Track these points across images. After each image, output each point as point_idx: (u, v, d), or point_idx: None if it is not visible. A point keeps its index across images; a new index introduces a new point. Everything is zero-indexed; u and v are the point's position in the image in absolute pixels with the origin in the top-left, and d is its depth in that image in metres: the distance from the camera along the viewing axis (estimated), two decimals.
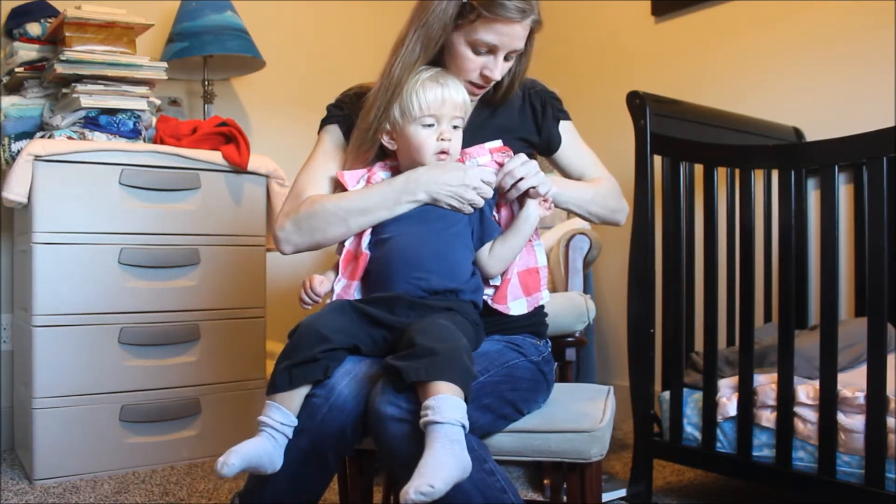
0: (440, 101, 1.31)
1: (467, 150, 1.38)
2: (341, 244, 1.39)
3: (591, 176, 1.51)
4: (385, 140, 1.37)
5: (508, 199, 1.35)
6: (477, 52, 1.33)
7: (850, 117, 2.34)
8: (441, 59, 1.36)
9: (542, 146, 1.48)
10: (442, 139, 1.32)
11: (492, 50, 1.32)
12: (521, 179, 1.30)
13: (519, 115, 1.46)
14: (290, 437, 1.16)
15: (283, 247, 1.41)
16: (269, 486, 1.18)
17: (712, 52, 2.76)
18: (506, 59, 1.35)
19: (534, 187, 1.30)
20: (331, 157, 1.43)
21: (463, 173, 1.31)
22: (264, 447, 1.13)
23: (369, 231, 1.35)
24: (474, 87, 1.37)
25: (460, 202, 1.31)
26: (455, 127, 1.34)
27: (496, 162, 1.36)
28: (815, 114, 2.46)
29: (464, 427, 1.07)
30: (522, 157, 1.33)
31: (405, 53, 1.33)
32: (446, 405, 1.06)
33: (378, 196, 1.33)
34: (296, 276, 3.02)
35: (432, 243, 1.31)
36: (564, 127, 1.50)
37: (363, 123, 1.36)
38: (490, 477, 1.13)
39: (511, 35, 1.30)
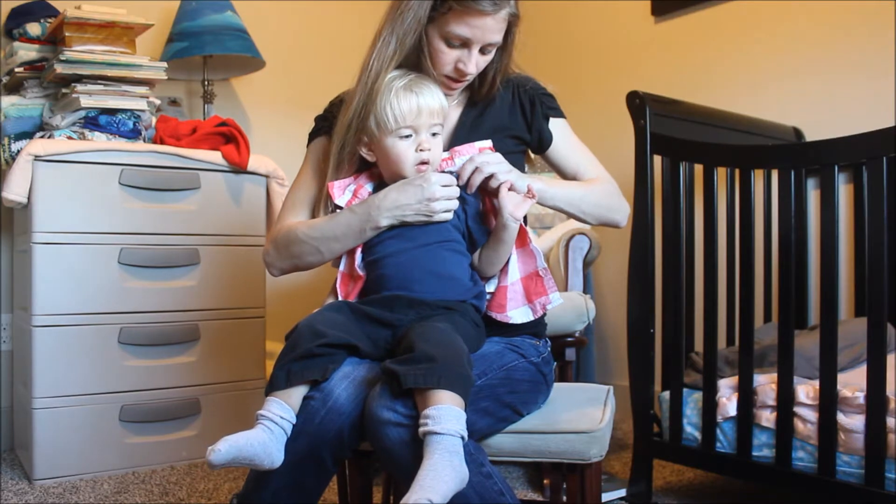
0: (416, 111, 1.29)
1: (457, 148, 1.36)
2: (337, 260, 1.39)
3: (587, 175, 1.48)
4: (364, 152, 1.36)
5: (471, 190, 1.32)
6: (450, 46, 1.31)
7: (850, 117, 2.34)
8: (418, 60, 1.35)
9: (534, 143, 1.47)
10: (421, 150, 1.30)
11: (465, 43, 1.31)
12: (477, 169, 1.29)
13: (509, 114, 1.44)
14: (289, 432, 1.14)
15: (271, 270, 1.46)
16: (267, 488, 1.18)
17: (712, 52, 2.76)
18: (483, 52, 1.33)
19: (514, 183, 1.29)
20: (315, 176, 1.44)
21: (420, 188, 1.28)
22: (258, 438, 1.10)
23: (360, 251, 1.34)
24: (450, 80, 1.36)
25: (427, 216, 1.29)
26: (434, 134, 1.32)
27: None
28: (815, 114, 2.46)
29: (463, 438, 1.07)
30: (487, 151, 1.33)
31: (381, 47, 1.32)
32: (446, 416, 1.06)
33: (344, 225, 1.32)
34: (295, 277, 3.01)
35: (424, 261, 1.29)
36: (556, 124, 1.47)
37: (343, 119, 1.35)
38: (487, 480, 1.13)
39: (483, 28, 1.29)
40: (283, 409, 1.14)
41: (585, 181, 1.47)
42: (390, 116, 1.29)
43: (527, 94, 1.45)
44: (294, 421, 1.15)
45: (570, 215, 1.44)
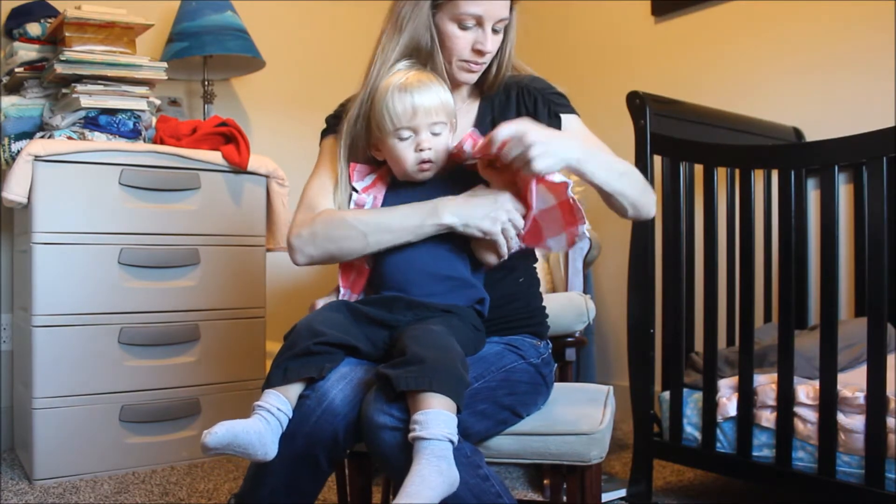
0: (411, 113, 1.28)
1: (462, 139, 1.35)
2: None
3: None
4: (373, 152, 1.36)
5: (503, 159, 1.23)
6: (464, 28, 1.32)
7: (850, 117, 2.34)
8: (429, 54, 1.35)
9: None
10: (420, 149, 1.29)
11: (479, 22, 1.31)
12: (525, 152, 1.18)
13: (516, 116, 1.41)
14: (285, 425, 1.14)
15: (297, 256, 1.34)
16: (265, 487, 1.18)
17: (712, 52, 2.76)
18: (495, 31, 1.34)
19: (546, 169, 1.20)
20: (333, 165, 1.42)
21: (493, 201, 1.25)
22: (255, 427, 1.10)
23: None
24: (469, 64, 1.35)
25: (492, 223, 1.24)
26: (436, 133, 1.30)
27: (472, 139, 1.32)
28: (815, 114, 2.46)
29: (452, 442, 1.06)
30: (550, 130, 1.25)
31: (384, 44, 1.34)
32: (434, 420, 1.05)
33: (402, 216, 1.28)
34: (296, 277, 3.02)
35: (422, 262, 1.28)
36: (569, 120, 1.43)
37: (349, 121, 1.37)
38: (485, 482, 1.12)
39: (493, 2, 1.30)
40: (280, 402, 1.14)
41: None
42: (387, 118, 1.29)
43: (531, 95, 1.42)
44: (290, 414, 1.15)
45: (607, 195, 1.31)
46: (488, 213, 1.24)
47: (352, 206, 1.36)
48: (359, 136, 1.36)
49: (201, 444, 1.07)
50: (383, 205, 1.35)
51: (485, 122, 1.42)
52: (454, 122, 1.35)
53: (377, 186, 1.37)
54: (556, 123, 1.41)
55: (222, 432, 1.07)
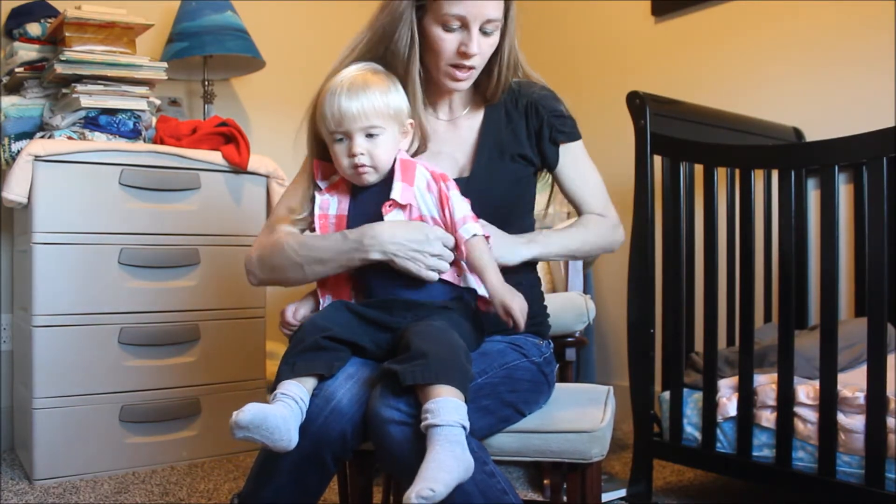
0: (338, 117, 1.26)
1: (422, 164, 1.32)
2: None
3: (590, 208, 1.45)
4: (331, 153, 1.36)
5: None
6: (449, 30, 1.29)
7: (850, 117, 2.34)
8: (409, 59, 1.33)
9: (543, 166, 1.44)
10: (352, 154, 1.28)
11: (464, 23, 1.28)
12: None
13: (527, 139, 1.41)
14: (304, 415, 1.13)
15: (249, 278, 1.41)
16: (270, 487, 1.18)
17: (712, 52, 2.76)
18: (484, 33, 1.31)
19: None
20: (310, 183, 1.42)
21: (424, 236, 1.24)
22: (281, 412, 1.09)
23: None
24: (456, 69, 1.32)
25: (416, 265, 1.24)
26: (371, 136, 1.28)
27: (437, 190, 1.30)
28: (815, 114, 2.46)
29: (464, 428, 1.07)
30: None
31: (350, 43, 1.35)
32: (445, 407, 1.06)
33: (333, 250, 1.28)
34: None
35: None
36: (568, 149, 1.42)
37: (307, 114, 1.38)
38: (491, 479, 1.13)
39: (476, 2, 1.26)
40: (301, 391, 1.13)
41: (584, 220, 1.44)
42: (321, 122, 1.29)
43: (538, 116, 1.41)
44: (308, 405, 1.14)
45: (567, 260, 1.44)
46: (412, 256, 1.24)
47: (317, 209, 1.35)
48: (314, 140, 1.37)
49: (231, 422, 1.06)
50: (349, 208, 1.34)
51: (490, 133, 1.41)
52: (410, 125, 1.33)
53: (341, 188, 1.36)
54: (553, 152, 1.41)
55: (254, 411, 1.06)
